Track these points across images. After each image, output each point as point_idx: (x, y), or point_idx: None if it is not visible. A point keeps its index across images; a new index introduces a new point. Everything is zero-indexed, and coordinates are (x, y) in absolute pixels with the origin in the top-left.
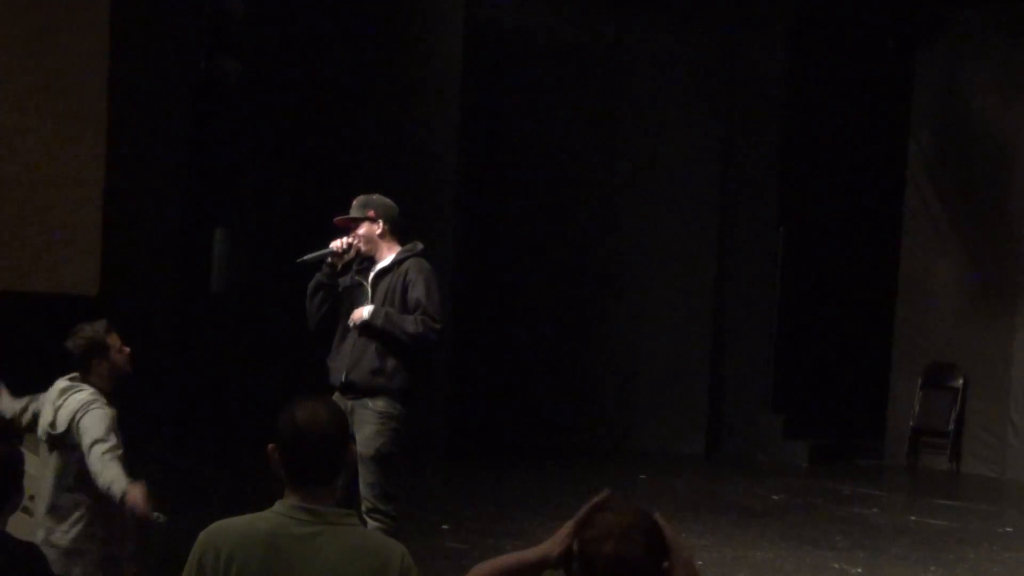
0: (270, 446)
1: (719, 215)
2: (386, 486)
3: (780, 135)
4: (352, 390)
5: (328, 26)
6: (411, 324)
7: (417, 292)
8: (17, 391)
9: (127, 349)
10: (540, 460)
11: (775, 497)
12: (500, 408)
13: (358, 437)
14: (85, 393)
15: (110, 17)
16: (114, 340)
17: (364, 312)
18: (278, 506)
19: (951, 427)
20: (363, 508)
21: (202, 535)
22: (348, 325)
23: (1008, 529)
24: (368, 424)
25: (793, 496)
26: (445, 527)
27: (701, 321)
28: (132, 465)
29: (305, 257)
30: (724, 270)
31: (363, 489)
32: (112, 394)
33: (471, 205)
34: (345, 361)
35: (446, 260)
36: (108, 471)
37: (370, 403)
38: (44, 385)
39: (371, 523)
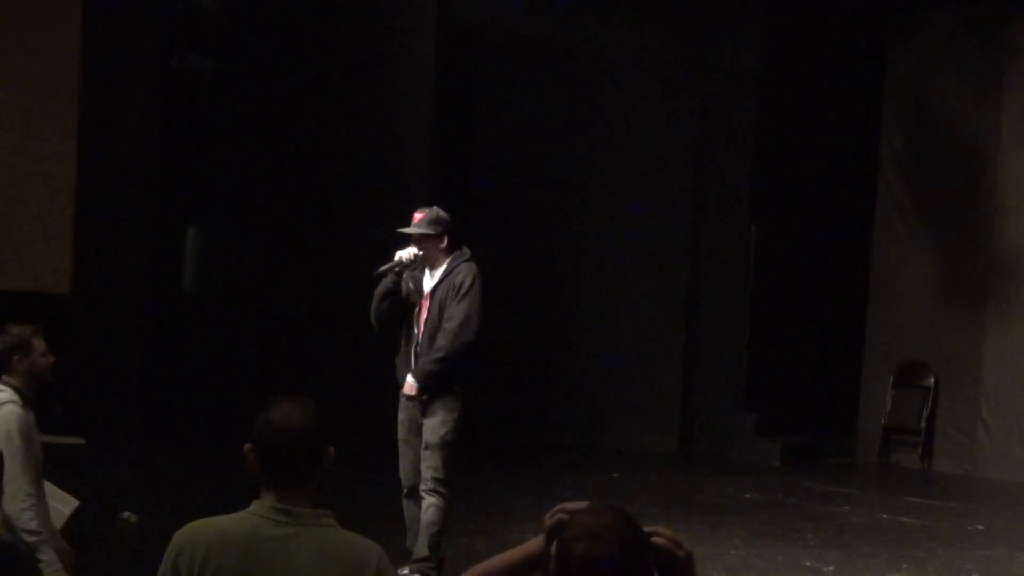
0: (246, 446)
1: (692, 214)
2: (446, 470)
3: (752, 135)
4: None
5: (300, 23)
6: (437, 353)
7: (457, 297)
8: None
9: (52, 358)
10: (512, 459)
11: (747, 495)
12: (472, 407)
13: (426, 426)
14: (3, 394)
15: (81, 14)
16: (39, 343)
17: (411, 383)
18: (254, 507)
19: (922, 425)
20: (422, 487)
21: (177, 535)
22: (412, 330)
23: (979, 527)
24: (434, 414)
25: (765, 494)
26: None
27: (674, 320)
28: (104, 465)
29: (381, 269)
30: (697, 269)
31: (425, 471)
32: (31, 398)
33: (444, 202)
34: (413, 363)
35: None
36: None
37: (436, 398)
38: None
39: (428, 499)
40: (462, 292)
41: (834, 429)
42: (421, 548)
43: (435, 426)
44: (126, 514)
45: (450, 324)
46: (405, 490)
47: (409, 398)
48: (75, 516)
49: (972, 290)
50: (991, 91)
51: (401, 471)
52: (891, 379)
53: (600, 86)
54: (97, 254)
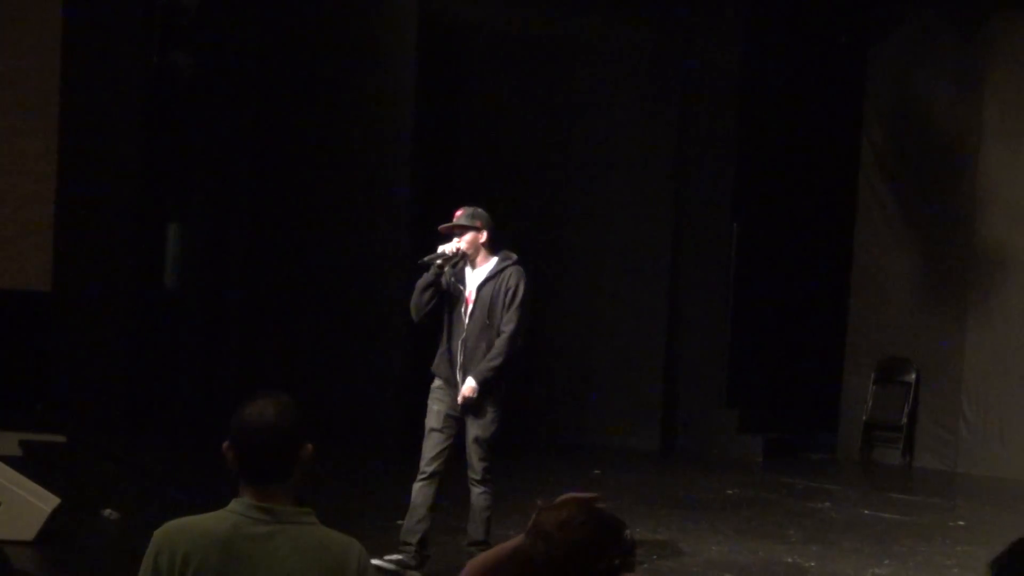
0: (224, 444)
1: (673, 210)
2: (493, 460)
3: (734, 131)
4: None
5: (281, 21)
6: (500, 351)
7: (513, 299)
8: None
9: None
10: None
11: (729, 492)
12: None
13: (474, 422)
14: None
15: (61, 11)
16: None
17: (471, 386)
18: (234, 505)
19: (904, 421)
20: (473, 476)
21: (157, 535)
22: (453, 324)
23: (960, 523)
24: (485, 411)
25: (747, 491)
26: (400, 522)
27: (655, 316)
28: (86, 462)
29: (425, 259)
30: (678, 265)
31: (477, 463)
32: None
33: (425, 198)
34: (457, 358)
35: (400, 252)
36: None
37: (485, 395)
38: None
39: (480, 488)
40: (517, 298)
41: (816, 425)
42: (477, 532)
43: (486, 424)
44: (108, 511)
45: (508, 328)
46: (424, 475)
47: (465, 399)
48: (56, 513)
49: (953, 286)
50: (972, 87)
51: (424, 457)
52: (872, 375)
53: (581, 82)
54: (78, 251)
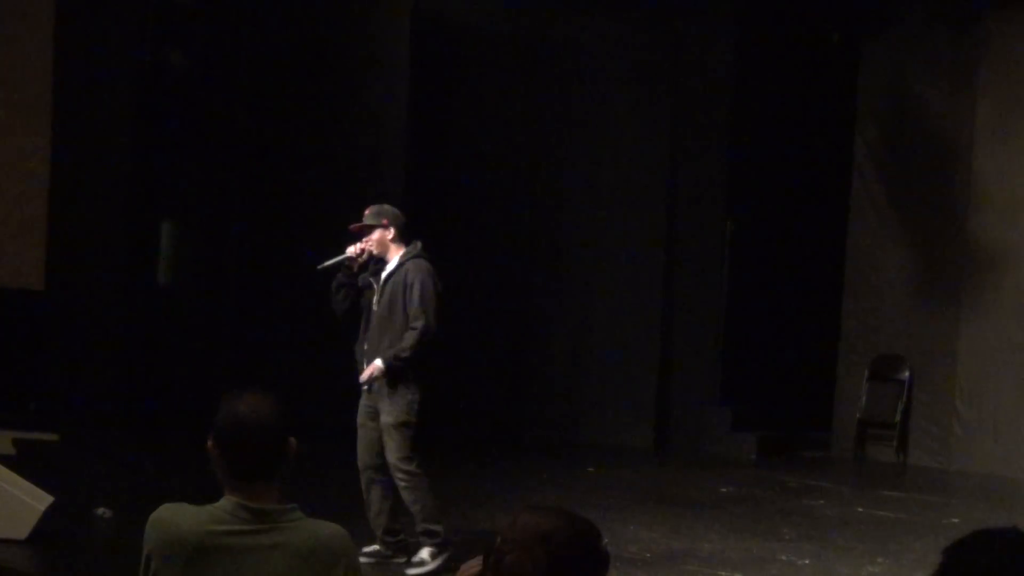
0: (208, 442)
1: (667, 208)
2: (408, 449)
3: (727, 128)
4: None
5: (275, 19)
6: (408, 345)
7: (412, 295)
8: None
9: None
10: (487, 453)
11: (723, 489)
12: (446, 401)
13: (383, 409)
14: None
15: (55, 8)
16: None
17: (378, 365)
18: (222, 503)
19: (898, 419)
20: (392, 470)
21: (148, 527)
22: (370, 319)
23: (954, 520)
24: (392, 398)
25: (741, 488)
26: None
27: (649, 314)
28: (79, 459)
29: (326, 264)
30: (672, 263)
31: (388, 455)
32: None
33: (418, 198)
34: (365, 352)
35: None
36: None
37: (393, 384)
38: None
39: (398, 483)
40: (416, 295)
41: (809, 423)
42: (420, 526)
43: (393, 410)
44: (101, 510)
45: (417, 324)
46: (361, 471)
47: (363, 382)
48: (49, 512)
49: (947, 283)
50: (965, 84)
51: (358, 454)
52: (866, 373)
53: (574, 81)
54: (71, 249)
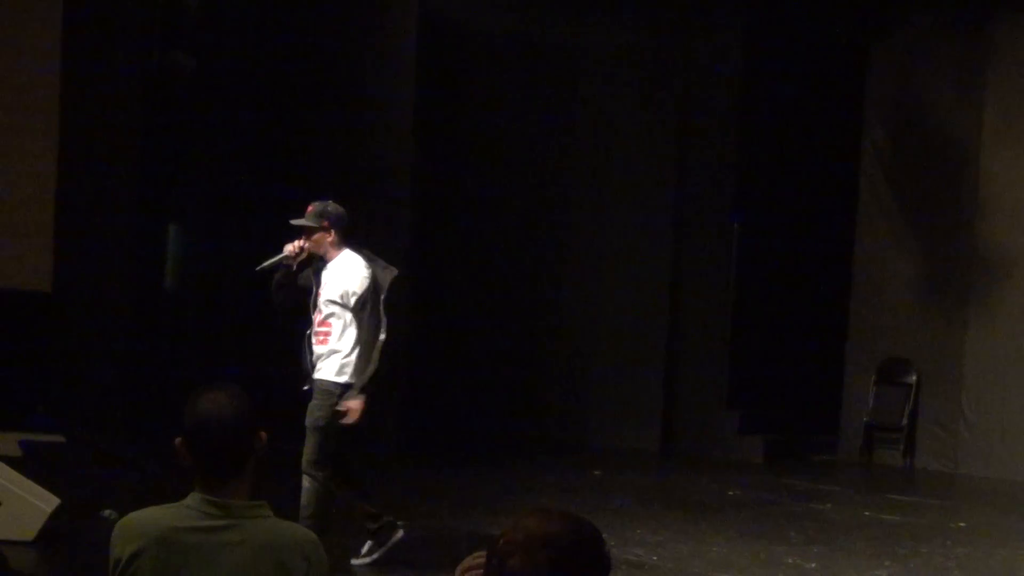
0: (177, 439)
1: (674, 211)
2: (319, 453)
3: (735, 131)
4: (311, 374)
5: (282, 21)
6: (372, 365)
7: (353, 302)
8: None
9: None
10: (494, 456)
11: (730, 493)
12: (454, 404)
13: (308, 409)
14: None
15: (62, 11)
16: None
17: (355, 405)
18: (189, 499)
19: (905, 423)
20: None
21: (115, 527)
22: (312, 318)
23: (961, 524)
24: (313, 400)
25: (748, 492)
26: (399, 523)
27: (656, 317)
28: (85, 462)
29: (264, 264)
30: (679, 266)
31: (304, 453)
32: None
33: (426, 199)
34: (306, 351)
35: (400, 255)
36: None
37: (318, 384)
38: None
39: (304, 483)
40: (354, 297)
41: (816, 426)
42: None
43: (311, 409)
44: (107, 512)
45: (375, 337)
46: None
47: (347, 423)
48: (56, 514)
49: (954, 287)
50: (972, 88)
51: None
52: (873, 376)
53: (581, 82)
54: (78, 252)
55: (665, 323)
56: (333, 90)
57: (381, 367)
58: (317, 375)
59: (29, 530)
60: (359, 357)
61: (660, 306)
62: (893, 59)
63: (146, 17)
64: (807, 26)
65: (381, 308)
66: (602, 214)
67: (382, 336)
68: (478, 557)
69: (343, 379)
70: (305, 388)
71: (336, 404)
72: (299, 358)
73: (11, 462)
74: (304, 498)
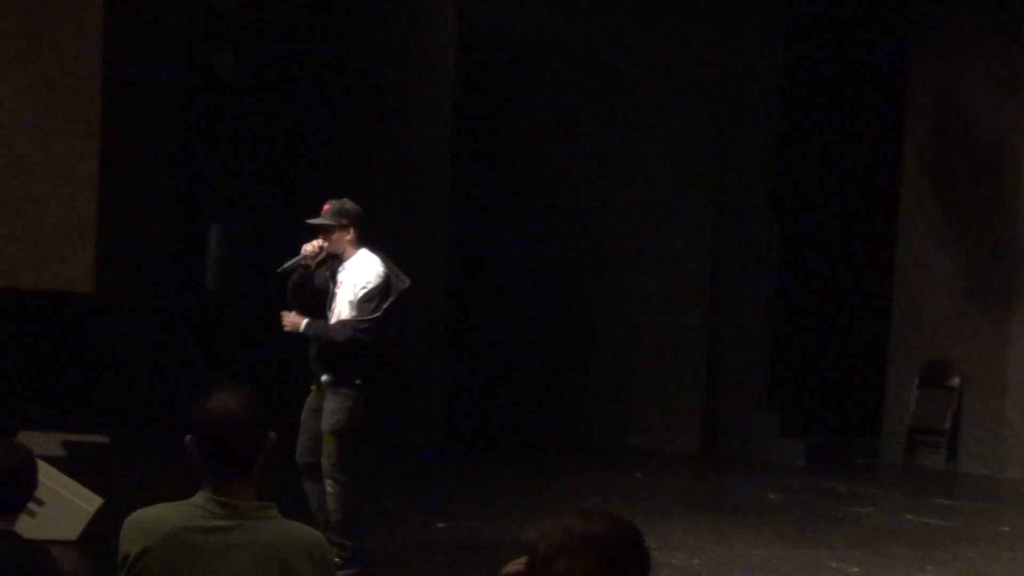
0: (186, 437)
1: (714, 212)
2: (340, 457)
3: (775, 131)
4: (317, 375)
5: (322, 23)
6: (337, 333)
7: (360, 295)
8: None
9: None
10: (535, 458)
11: (771, 496)
12: (494, 405)
13: (322, 414)
14: None
15: (104, 13)
16: None
17: (301, 326)
18: (196, 498)
19: (947, 426)
20: (324, 473)
21: (124, 524)
22: (328, 318)
23: (1005, 528)
24: (330, 402)
25: (789, 495)
26: (440, 525)
27: (696, 319)
28: (128, 461)
29: (284, 266)
30: (719, 267)
31: (323, 459)
32: None
33: (464, 201)
34: (313, 350)
35: (439, 256)
36: None
37: (333, 388)
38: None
39: (326, 488)
40: (361, 290)
41: (858, 429)
42: (333, 536)
43: (327, 414)
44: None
45: (353, 314)
46: (299, 468)
47: (284, 325)
48: (99, 514)
49: (997, 288)
50: (1015, 89)
51: (297, 450)
52: (916, 379)
53: (621, 83)
54: (120, 252)
55: (706, 325)
56: (374, 90)
57: (347, 346)
58: (332, 378)
59: (72, 530)
60: (341, 332)
61: (701, 308)
62: (935, 60)
63: (186, 19)
64: (848, 27)
65: (383, 308)
66: (642, 215)
67: (366, 320)
68: (519, 562)
69: (359, 380)
70: (313, 387)
71: (353, 406)
72: (309, 358)
73: (55, 462)
74: (330, 502)
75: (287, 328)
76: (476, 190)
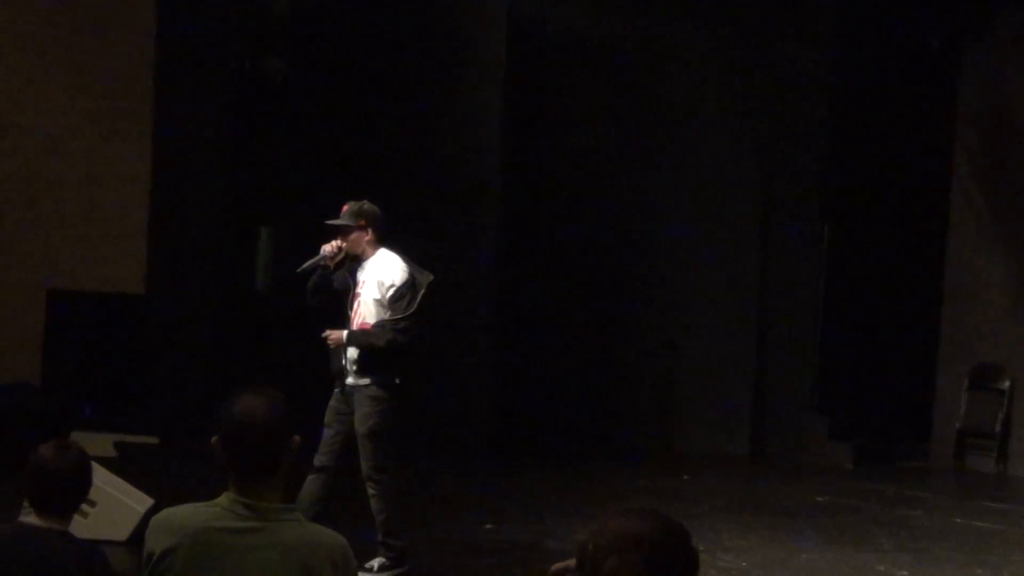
0: (213, 439)
1: (763, 213)
2: (379, 459)
3: (824, 133)
4: (348, 376)
5: (372, 25)
6: (378, 338)
7: (389, 295)
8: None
9: None
10: (583, 460)
11: (819, 499)
12: (543, 407)
13: (356, 416)
14: None
15: (155, 18)
16: None
17: (342, 335)
18: (222, 499)
19: (998, 429)
20: (364, 476)
21: (149, 524)
22: (350, 318)
23: None
24: (363, 404)
25: (838, 498)
26: (488, 526)
27: (745, 321)
28: (178, 462)
29: (304, 266)
30: (768, 269)
31: (362, 463)
32: None
33: (513, 203)
34: (343, 352)
35: (489, 258)
36: None
37: (362, 391)
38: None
39: (368, 490)
40: (394, 295)
41: (907, 432)
42: (380, 536)
43: (362, 418)
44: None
45: (390, 316)
46: (313, 468)
47: (327, 340)
48: (149, 514)
49: None
50: None
51: (317, 452)
52: (966, 382)
53: (670, 85)
54: (171, 255)
55: (754, 327)
56: (423, 92)
57: (388, 350)
58: (361, 380)
59: (123, 530)
60: (383, 336)
61: (749, 310)
62: (986, 62)
63: (238, 23)
64: (898, 29)
65: (416, 304)
66: (691, 218)
67: (402, 319)
68: (567, 562)
69: (398, 380)
70: (337, 390)
71: (386, 407)
72: (337, 359)
73: (106, 463)
74: (375, 505)
75: (332, 345)
76: (525, 194)
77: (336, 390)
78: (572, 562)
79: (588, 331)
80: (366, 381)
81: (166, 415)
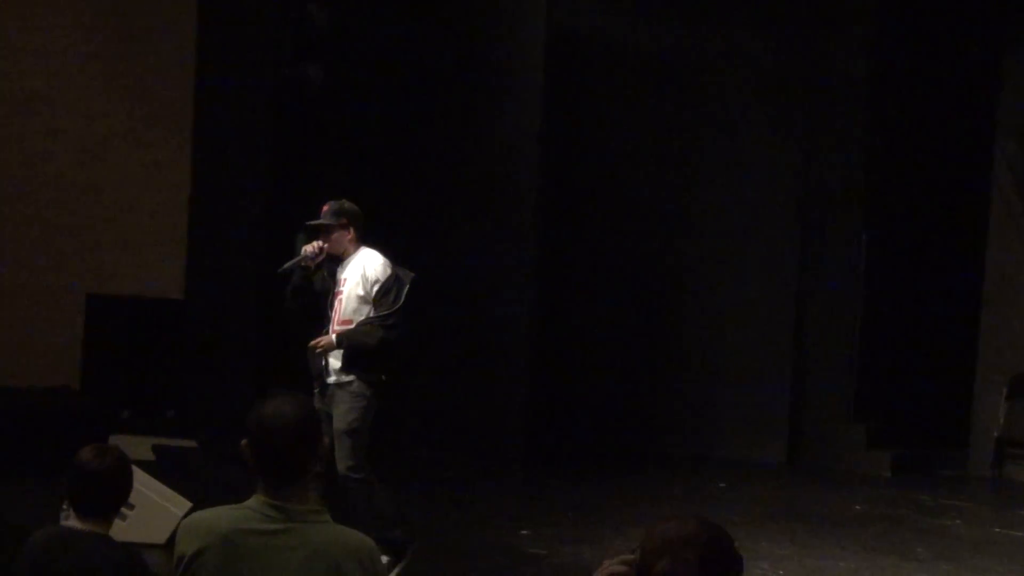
0: (243, 442)
1: (801, 221)
2: (357, 457)
3: (862, 140)
4: (328, 375)
5: (410, 33)
6: (370, 337)
7: (375, 290)
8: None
9: None
10: (619, 467)
11: (857, 507)
12: (579, 415)
13: (334, 416)
14: None
15: (195, 24)
16: None
17: (332, 340)
18: (251, 501)
19: None
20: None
21: (179, 526)
22: (331, 317)
23: None
24: (340, 402)
25: (875, 506)
26: (524, 532)
27: (782, 328)
28: (217, 466)
29: (285, 266)
30: (806, 277)
31: (338, 462)
32: None
33: (551, 210)
34: (322, 353)
35: (525, 267)
36: None
37: (341, 388)
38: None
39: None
40: (380, 291)
41: (946, 441)
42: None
43: (341, 415)
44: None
45: (377, 313)
46: None
47: (316, 348)
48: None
49: None
50: None
51: None
52: (1005, 390)
53: (708, 92)
54: (210, 259)
55: (791, 335)
56: (461, 99)
57: (376, 350)
58: (345, 377)
59: (161, 534)
60: (370, 334)
61: (786, 318)
62: None
63: (276, 30)
64: (937, 35)
65: (403, 299)
66: (729, 225)
67: (390, 314)
68: (616, 562)
69: (385, 376)
70: (316, 390)
71: (367, 405)
72: (316, 360)
73: (145, 466)
74: (360, 504)
75: (320, 351)
76: (562, 201)
77: (316, 391)
78: (621, 561)
79: (625, 339)
80: (350, 378)
81: (204, 419)
